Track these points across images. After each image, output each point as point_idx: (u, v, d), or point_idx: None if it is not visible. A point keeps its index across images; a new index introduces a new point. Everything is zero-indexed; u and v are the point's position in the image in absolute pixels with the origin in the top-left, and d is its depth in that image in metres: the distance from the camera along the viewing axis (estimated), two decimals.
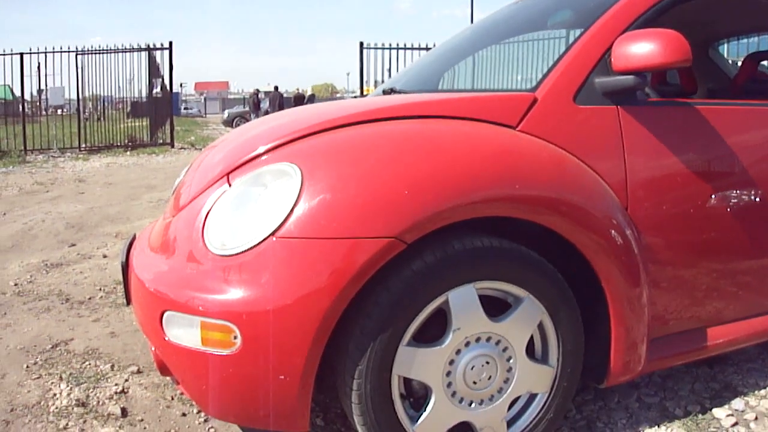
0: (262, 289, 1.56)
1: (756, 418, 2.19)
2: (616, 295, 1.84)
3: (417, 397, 1.77)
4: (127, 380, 2.48)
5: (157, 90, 14.73)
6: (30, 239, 4.99)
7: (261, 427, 1.68)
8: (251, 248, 1.61)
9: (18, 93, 14.10)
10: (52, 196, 7.36)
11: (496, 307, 1.78)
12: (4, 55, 13.12)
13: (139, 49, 14.04)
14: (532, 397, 1.91)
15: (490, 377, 1.78)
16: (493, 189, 1.71)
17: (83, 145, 13.76)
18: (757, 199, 2.14)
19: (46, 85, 14.30)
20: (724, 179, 2.11)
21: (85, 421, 2.18)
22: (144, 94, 14.84)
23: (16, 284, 3.74)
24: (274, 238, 1.59)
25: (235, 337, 1.57)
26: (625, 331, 1.88)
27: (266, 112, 20.15)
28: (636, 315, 1.89)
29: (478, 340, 1.75)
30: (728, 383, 2.44)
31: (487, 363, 1.77)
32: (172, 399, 2.34)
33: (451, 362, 1.73)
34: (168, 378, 2.26)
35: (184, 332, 1.66)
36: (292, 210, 1.61)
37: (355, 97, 11.36)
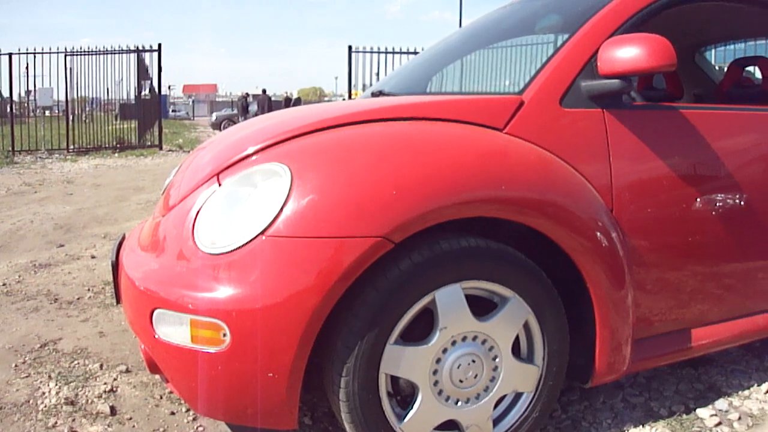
0: (252, 287, 1.57)
1: (739, 418, 2.21)
2: (601, 296, 1.87)
3: (404, 395, 1.79)
4: (115, 379, 2.48)
5: (145, 92, 14.72)
6: (18, 240, 4.98)
7: (249, 424, 1.69)
8: (241, 247, 1.62)
9: (6, 93, 14.07)
10: (40, 197, 7.33)
11: (482, 307, 1.79)
12: None
13: (128, 51, 14.01)
14: (518, 396, 1.93)
15: (476, 376, 1.80)
16: (480, 190, 1.73)
17: (71, 147, 13.70)
18: (741, 203, 2.17)
19: (35, 86, 14.19)
20: (708, 183, 2.13)
21: (74, 420, 2.18)
22: (132, 95, 14.82)
23: (4, 284, 3.73)
24: (264, 237, 1.61)
25: (225, 335, 1.58)
26: (610, 332, 1.90)
27: (254, 115, 20.12)
28: (621, 316, 1.91)
29: (464, 339, 1.77)
30: (712, 384, 2.47)
31: (474, 362, 1.79)
32: (161, 398, 2.34)
33: (438, 361, 1.75)
34: (157, 377, 2.27)
35: (173, 330, 1.67)
36: (281, 209, 1.62)
37: (344, 100, 11.35)
